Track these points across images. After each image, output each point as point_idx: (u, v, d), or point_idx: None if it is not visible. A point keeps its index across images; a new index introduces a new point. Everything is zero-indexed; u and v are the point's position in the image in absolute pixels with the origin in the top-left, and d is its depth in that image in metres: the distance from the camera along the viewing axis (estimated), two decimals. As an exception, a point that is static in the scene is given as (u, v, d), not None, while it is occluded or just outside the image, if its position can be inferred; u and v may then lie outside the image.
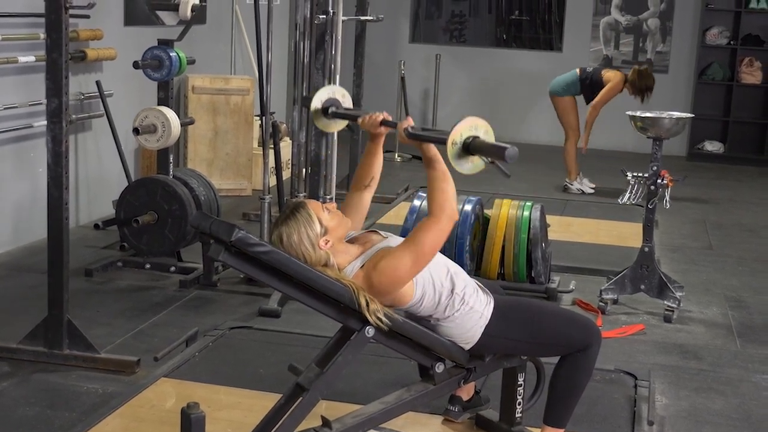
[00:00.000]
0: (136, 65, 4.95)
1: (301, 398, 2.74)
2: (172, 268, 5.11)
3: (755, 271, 5.77)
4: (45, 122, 3.80)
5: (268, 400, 3.06)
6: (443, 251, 2.97)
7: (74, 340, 3.78)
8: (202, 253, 4.95)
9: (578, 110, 7.77)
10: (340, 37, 4.90)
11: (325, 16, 4.86)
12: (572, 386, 2.99)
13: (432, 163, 2.77)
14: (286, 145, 6.99)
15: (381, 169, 3.11)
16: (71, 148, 5.86)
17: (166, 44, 5.03)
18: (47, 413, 3.36)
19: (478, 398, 3.36)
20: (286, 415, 2.74)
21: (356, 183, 3.10)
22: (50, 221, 3.77)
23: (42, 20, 3.88)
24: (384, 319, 2.71)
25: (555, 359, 3.03)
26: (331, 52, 4.89)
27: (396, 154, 9.16)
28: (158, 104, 5.10)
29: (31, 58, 5.30)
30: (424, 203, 4.75)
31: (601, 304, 4.79)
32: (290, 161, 6.06)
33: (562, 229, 6.42)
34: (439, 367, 2.92)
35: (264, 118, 5.12)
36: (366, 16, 6.99)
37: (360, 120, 3.07)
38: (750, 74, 9.90)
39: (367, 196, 3.08)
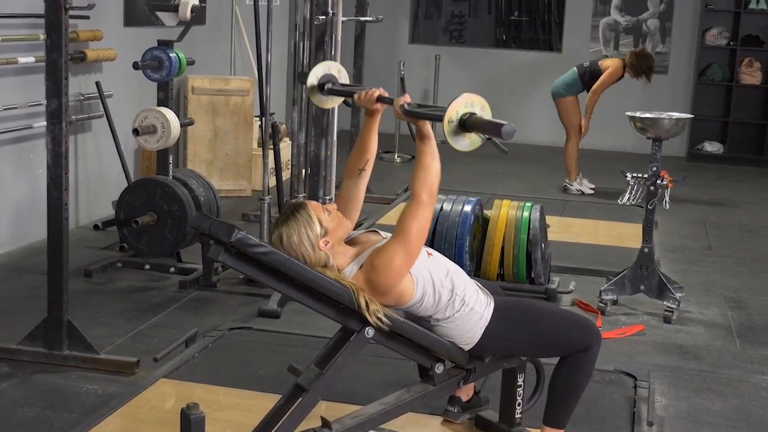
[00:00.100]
0: (135, 66, 4.94)
1: (300, 399, 2.74)
2: (172, 269, 5.10)
3: (755, 272, 5.77)
4: (45, 123, 3.81)
5: (268, 401, 3.05)
6: (443, 252, 2.97)
7: (74, 340, 3.78)
8: (202, 253, 4.95)
9: (580, 111, 7.78)
10: (339, 38, 4.91)
11: (324, 17, 4.87)
12: (572, 387, 2.99)
13: (424, 139, 2.77)
14: (285, 146, 6.98)
15: (376, 150, 3.05)
16: (71, 149, 5.86)
17: (165, 45, 5.03)
18: (47, 414, 3.35)
19: (477, 399, 3.36)
20: (285, 416, 2.74)
21: (350, 169, 3.02)
22: (50, 222, 3.76)
23: (42, 21, 3.89)
24: (384, 319, 2.71)
25: (555, 360, 3.03)
26: (331, 52, 4.89)
27: (396, 155, 9.16)
28: (158, 105, 5.10)
29: (31, 59, 5.29)
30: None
31: (600, 304, 4.79)
32: (290, 162, 6.06)
33: (562, 229, 6.41)
34: (439, 368, 2.92)
35: (264, 118, 5.11)
36: (365, 16, 6.99)
37: (356, 96, 3.02)
38: (749, 75, 9.90)
39: (362, 184, 3.01)
